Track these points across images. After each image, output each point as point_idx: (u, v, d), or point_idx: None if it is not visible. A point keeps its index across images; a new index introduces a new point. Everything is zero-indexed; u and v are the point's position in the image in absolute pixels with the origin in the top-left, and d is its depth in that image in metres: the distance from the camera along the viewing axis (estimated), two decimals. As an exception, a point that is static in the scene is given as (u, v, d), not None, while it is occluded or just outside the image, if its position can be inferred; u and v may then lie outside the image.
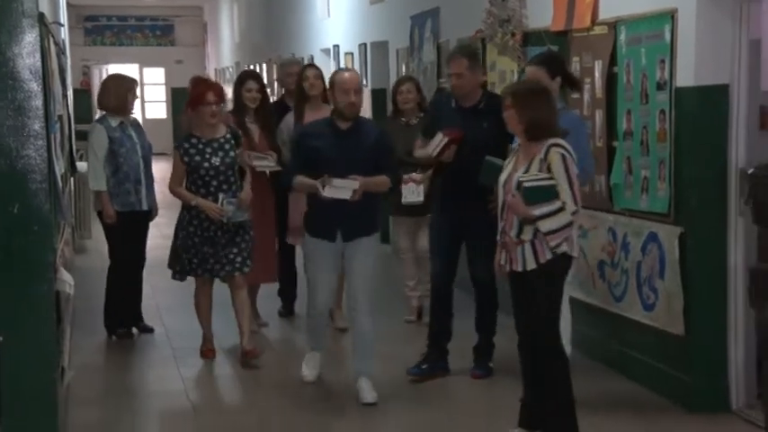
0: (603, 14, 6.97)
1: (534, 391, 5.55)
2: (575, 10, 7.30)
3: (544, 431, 5.49)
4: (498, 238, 5.57)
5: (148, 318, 8.52)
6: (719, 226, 6.05)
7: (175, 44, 31.57)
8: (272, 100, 9.81)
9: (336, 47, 15.15)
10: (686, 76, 6.10)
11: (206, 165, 7.08)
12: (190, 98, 7.37)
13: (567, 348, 5.94)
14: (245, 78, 8.39)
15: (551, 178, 5.25)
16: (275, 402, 6.74)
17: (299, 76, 8.26)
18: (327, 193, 6.02)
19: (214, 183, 7.10)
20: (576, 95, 7.15)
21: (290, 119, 8.16)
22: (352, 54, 14.10)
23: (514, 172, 5.39)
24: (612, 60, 6.87)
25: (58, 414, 5.32)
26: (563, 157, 5.27)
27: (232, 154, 7.20)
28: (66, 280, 6.10)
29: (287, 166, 6.92)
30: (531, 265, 5.33)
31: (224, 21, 28.56)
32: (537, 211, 5.18)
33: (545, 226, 5.21)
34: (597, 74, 6.95)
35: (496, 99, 6.41)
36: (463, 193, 6.59)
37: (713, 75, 6.02)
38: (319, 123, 6.73)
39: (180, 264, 7.36)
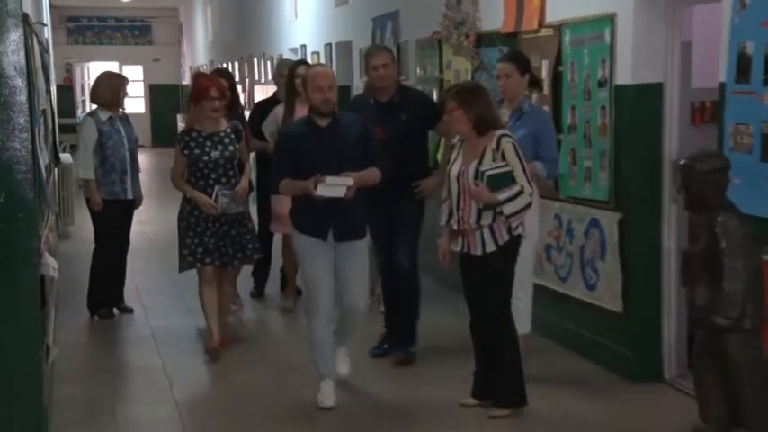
0: (549, 18, 7.02)
1: (486, 366, 5.63)
2: (523, 14, 7.35)
3: (495, 401, 5.57)
4: (453, 226, 5.57)
5: (129, 299, 8.50)
6: (655, 212, 6.13)
7: (153, 43, 31.41)
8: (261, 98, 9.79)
9: (303, 46, 15.12)
10: (624, 75, 6.18)
11: (205, 158, 6.76)
12: (192, 93, 7.03)
13: (527, 326, 6.11)
14: (217, 76, 8.08)
15: (507, 165, 5.34)
16: (248, 378, 6.65)
17: (290, 72, 7.97)
18: (321, 191, 5.45)
19: (213, 176, 6.78)
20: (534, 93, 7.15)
21: (279, 110, 8.00)
22: (318, 53, 14.07)
23: (466, 165, 5.46)
24: (558, 60, 6.92)
25: (43, 389, 5.33)
26: (514, 145, 5.39)
27: (231, 148, 6.87)
28: (51, 264, 6.11)
29: (272, 170, 6.13)
30: (491, 248, 5.39)
31: (198, 21, 28.36)
32: (501, 196, 5.27)
33: (508, 209, 5.30)
34: (544, 72, 6.98)
35: (410, 93, 6.79)
36: (391, 185, 6.15)
37: (649, 74, 6.10)
38: (298, 123, 6.23)
39: (185, 254, 6.94)
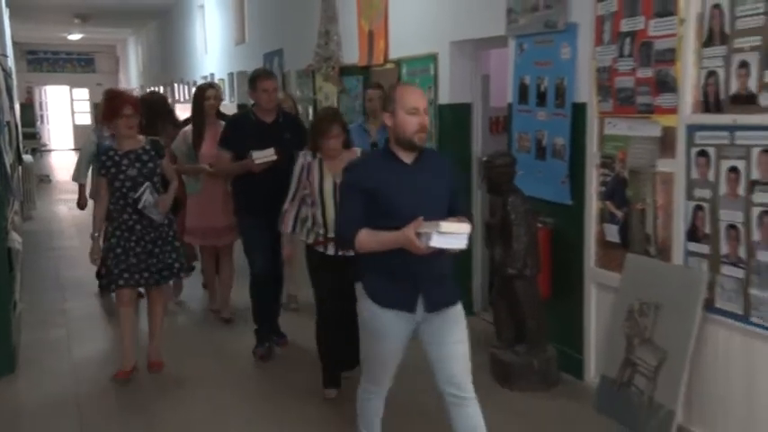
0: (392, 55, 7.11)
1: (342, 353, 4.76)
2: (373, 52, 7.43)
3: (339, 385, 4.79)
4: (322, 235, 4.54)
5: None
6: (467, 195, 6.21)
7: (96, 72, 30.40)
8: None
9: (212, 74, 14.88)
10: (444, 97, 6.31)
11: (122, 176, 4.93)
12: (105, 111, 5.14)
13: None
14: (205, 88, 6.42)
15: None
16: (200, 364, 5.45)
17: (200, 94, 6.29)
18: (436, 243, 3.07)
19: (132, 194, 4.93)
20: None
21: (188, 129, 6.33)
22: (223, 79, 13.87)
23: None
24: None
25: (11, 334, 5.41)
26: None
27: (151, 165, 4.98)
28: (16, 239, 6.07)
29: (339, 218, 3.59)
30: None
31: (131, 55, 27.98)
32: None
33: None
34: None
35: (289, 115, 5.70)
36: (275, 194, 4.92)
37: (461, 96, 6.24)
38: (374, 158, 3.71)
39: (106, 276, 5.28)
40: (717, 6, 3.79)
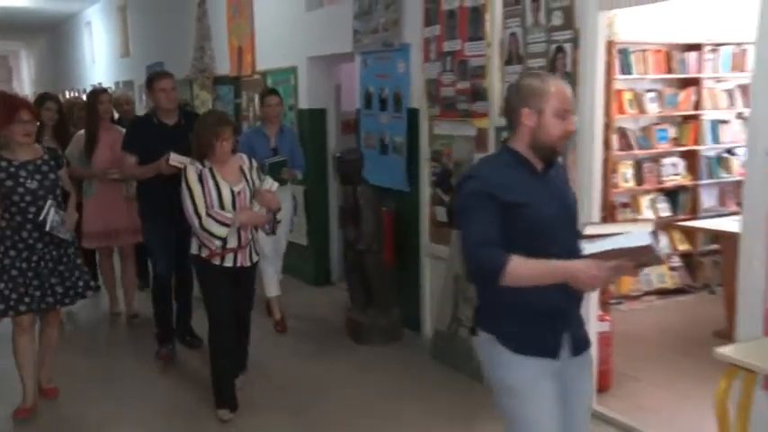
0: (258, 68, 6.97)
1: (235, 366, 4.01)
2: (242, 64, 7.26)
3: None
4: (225, 246, 3.66)
5: None
6: (323, 185, 6.23)
7: None
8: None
9: (100, 83, 14.01)
10: (303, 103, 6.24)
11: (20, 189, 3.58)
12: None
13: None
14: (44, 99, 5.28)
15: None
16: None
17: (93, 98, 5.23)
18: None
19: (32, 209, 3.60)
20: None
21: (81, 135, 5.24)
22: (111, 87, 13.14)
23: (235, 185, 3.67)
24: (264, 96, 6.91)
25: None
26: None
27: (53, 176, 3.70)
28: None
29: (469, 242, 2.10)
30: (256, 258, 3.84)
31: (24, 65, 26.07)
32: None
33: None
34: (256, 102, 6.86)
35: (191, 115, 4.48)
36: (179, 197, 3.79)
37: (317, 103, 6.19)
38: (500, 164, 2.25)
39: None
40: (513, 35, 3.99)
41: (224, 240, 3.63)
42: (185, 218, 3.67)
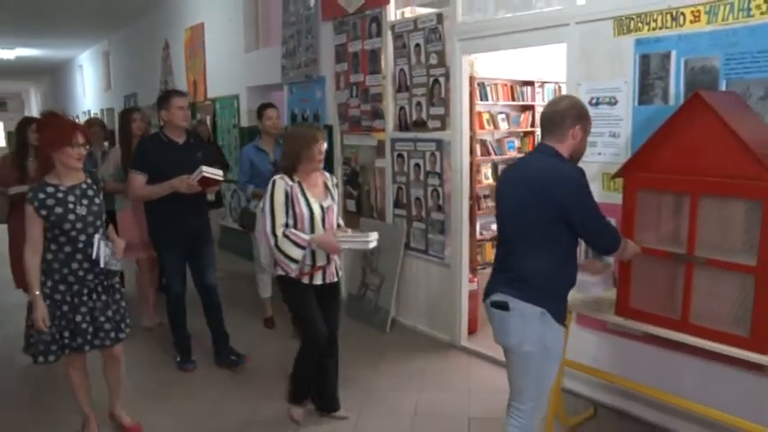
0: (209, 95, 6.75)
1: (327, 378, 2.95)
2: (197, 92, 7.01)
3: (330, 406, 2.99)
4: (310, 265, 2.70)
5: None
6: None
7: (8, 110, 25.35)
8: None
9: (90, 110, 13.58)
10: (244, 122, 6.06)
11: (71, 216, 2.51)
12: (52, 138, 2.52)
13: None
14: (30, 121, 3.77)
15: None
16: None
17: (128, 117, 4.17)
18: None
19: (82, 237, 2.54)
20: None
21: (116, 154, 4.13)
22: (97, 113, 12.60)
23: (322, 200, 2.73)
24: (214, 116, 6.65)
25: None
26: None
27: (98, 200, 2.61)
28: None
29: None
30: (340, 273, 2.82)
31: (33, 99, 24.36)
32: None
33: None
34: (209, 121, 6.67)
35: (197, 135, 3.57)
36: (193, 212, 3.41)
37: (254, 122, 5.57)
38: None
39: (44, 342, 2.56)
40: (402, 70, 4.00)
41: (305, 262, 2.69)
42: (204, 236, 2.93)
